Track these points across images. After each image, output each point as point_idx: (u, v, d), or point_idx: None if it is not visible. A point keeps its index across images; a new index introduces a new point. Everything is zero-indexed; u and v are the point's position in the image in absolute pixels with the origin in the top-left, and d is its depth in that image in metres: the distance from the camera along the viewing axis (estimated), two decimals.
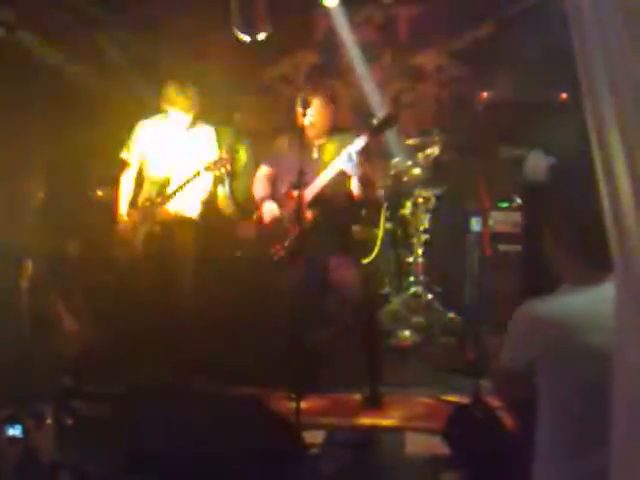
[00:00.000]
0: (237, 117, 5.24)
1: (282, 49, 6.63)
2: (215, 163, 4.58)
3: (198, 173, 4.61)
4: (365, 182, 4.36)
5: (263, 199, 4.54)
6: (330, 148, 4.43)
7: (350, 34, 6.37)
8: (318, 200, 4.32)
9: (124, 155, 4.90)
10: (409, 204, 6.00)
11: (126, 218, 4.83)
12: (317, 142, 4.48)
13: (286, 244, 4.34)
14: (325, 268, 4.38)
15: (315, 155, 4.47)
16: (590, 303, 2.23)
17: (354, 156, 4.19)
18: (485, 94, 6.04)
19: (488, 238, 5.10)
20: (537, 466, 2.23)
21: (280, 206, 4.44)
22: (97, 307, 5.28)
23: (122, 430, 3.53)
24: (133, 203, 4.87)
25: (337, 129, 4.49)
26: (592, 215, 2.21)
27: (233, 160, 5.30)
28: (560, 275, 2.33)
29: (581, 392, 2.15)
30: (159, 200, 4.75)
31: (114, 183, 5.09)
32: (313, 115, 4.36)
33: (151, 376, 4.71)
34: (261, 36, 5.88)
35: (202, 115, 4.85)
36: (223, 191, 5.35)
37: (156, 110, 4.87)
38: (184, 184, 4.66)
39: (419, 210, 5.98)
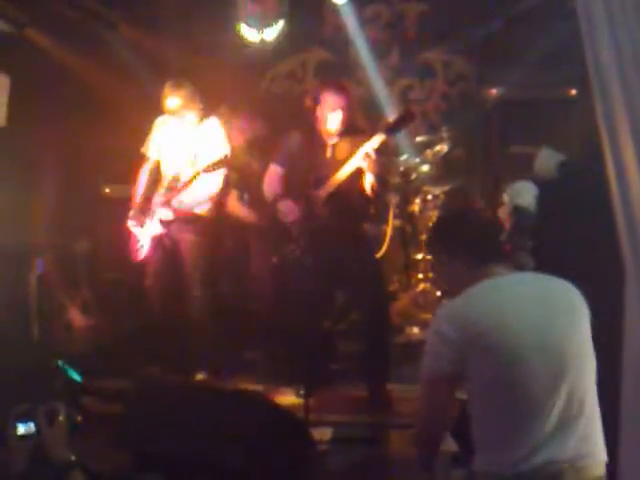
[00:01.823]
0: (224, 110, 5.19)
1: (290, 46, 6.62)
2: (216, 164, 4.57)
3: (198, 174, 4.60)
4: (380, 180, 4.36)
5: (277, 198, 4.51)
6: (343, 147, 4.42)
7: (358, 31, 6.35)
8: (334, 198, 4.32)
9: (143, 150, 4.93)
10: (418, 201, 5.99)
11: (137, 213, 4.84)
12: (330, 141, 4.46)
13: (302, 242, 4.33)
14: (339, 265, 4.38)
15: (329, 154, 4.45)
16: (493, 295, 2.33)
17: (372, 154, 4.19)
18: (494, 91, 6.03)
19: None
20: (475, 458, 2.29)
21: (295, 205, 4.41)
22: (106, 303, 5.31)
23: (132, 427, 3.55)
24: (148, 198, 4.87)
25: (349, 128, 4.47)
26: (470, 224, 2.51)
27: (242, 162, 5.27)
28: (456, 286, 2.41)
29: (501, 384, 2.22)
30: (167, 196, 4.76)
31: (124, 180, 5.11)
32: (328, 113, 4.34)
33: (159, 372, 4.74)
34: (268, 34, 5.89)
35: (209, 110, 4.85)
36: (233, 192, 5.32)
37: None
38: (189, 181, 4.66)
39: (428, 207, 5.97)
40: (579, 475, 2.19)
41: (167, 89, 4.67)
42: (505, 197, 3.83)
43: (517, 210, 3.58)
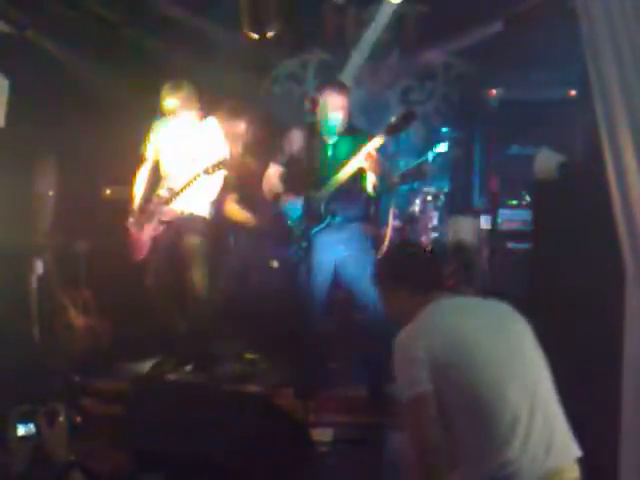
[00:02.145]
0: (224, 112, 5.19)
1: (291, 47, 6.63)
2: (215, 165, 4.57)
3: (198, 175, 4.60)
4: (382, 180, 4.36)
5: (278, 195, 4.51)
6: (344, 147, 4.42)
7: (358, 32, 6.37)
8: (336, 198, 4.33)
9: (143, 150, 4.92)
10: (418, 201, 6.00)
11: (137, 214, 4.85)
12: (331, 140, 4.47)
13: (303, 243, 4.33)
14: (339, 265, 4.38)
15: (329, 154, 4.46)
16: (444, 314, 2.53)
17: (374, 154, 4.20)
18: (494, 91, 6.04)
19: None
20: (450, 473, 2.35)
21: (296, 205, 4.41)
22: (107, 304, 5.30)
23: (132, 427, 3.55)
24: (147, 199, 4.87)
25: (349, 128, 4.48)
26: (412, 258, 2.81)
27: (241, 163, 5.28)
28: (399, 313, 2.64)
29: (464, 397, 2.35)
30: (166, 197, 4.76)
31: (125, 181, 5.10)
32: (327, 113, 4.35)
33: (158, 372, 4.74)
34: (270, 35, 5.90)
35: (208, 111, 4.86)
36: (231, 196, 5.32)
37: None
38: (189, 183, 4.66)
39: (428, 207, 5.98)
40: None
41: (166, 90, 4.67)
42: (449, 232, 3.92)
43: (459, 246, 3.67)
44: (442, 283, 2.74)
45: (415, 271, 2.70)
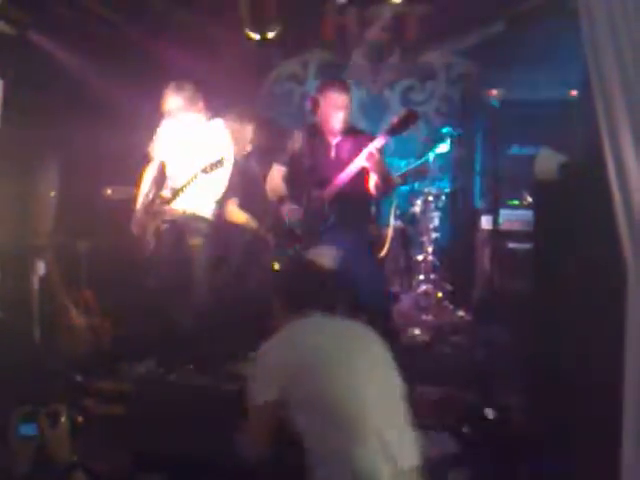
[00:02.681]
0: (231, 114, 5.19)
1: (292, 48, 6.63)
2: (213, 164, 4.57)
3: (197, 175, 4.60)
4: (385, 180, 4.37)
5: (282, 199, 4.51)
6: (346, 147, 4.43)
7: (360, 32, 6.37)
8: (339, 198, 4.33)
9: (148, 150, 4.93)
10: (419, 202, 6.00)
11: (139, 214, 4.85)
12: (333, 140, 4.47)
13: (306, 243, 4.33)
14: (341, 265, 4.38)
15: (332, 154, 4.46)
16: (302, 330, 2.79)
17: (376, 154, 4.21)
18: (495, 91, 6.03)
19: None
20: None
21: (299, 205, 4.41)
22: (108, 304, 5.30)
23: (132, 427, 3.55)
24: (151, 199, 4.87)
25: (351, 128, 4.48)
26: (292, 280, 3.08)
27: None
28: (280, 325, 2.87)
29: (314, 409, 2.57)
30: (168, 197, 4.76)
31: (125, 181, 5.11)
32: (328, 113, 4.35)
33: (159, 372, 4.74)
34: (271, 35, 5.90)
35: (214, 112, 4.86)
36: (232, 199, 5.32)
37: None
38: (187, 183, 4.66)
39: (429, 208, 5.98)
40: None
41: (169, 90, 4.67)
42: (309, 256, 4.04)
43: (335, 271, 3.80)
44: (320, 303, 2.89)
45: (293, 289, 2.96)
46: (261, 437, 2.69)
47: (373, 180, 4.33)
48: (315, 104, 4.46)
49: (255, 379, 2.70)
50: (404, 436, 2.62)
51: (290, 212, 4.41)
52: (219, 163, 4.57)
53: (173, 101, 4.67)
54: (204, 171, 4.57)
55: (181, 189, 4.69)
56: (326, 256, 4.11)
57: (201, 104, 4.76)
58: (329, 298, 2.99)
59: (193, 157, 4.76)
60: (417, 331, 5.61)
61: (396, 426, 2.61)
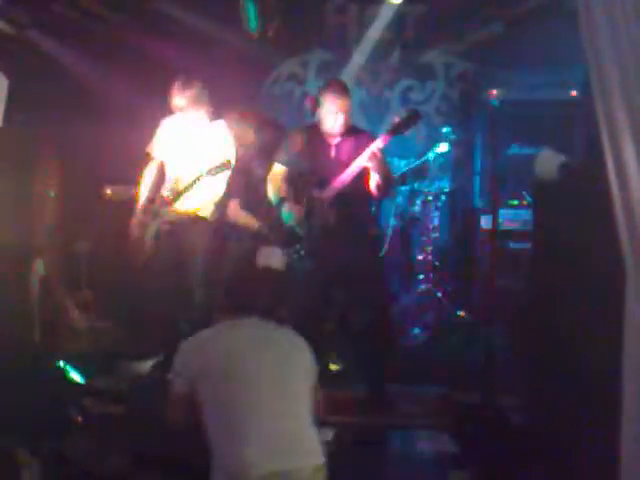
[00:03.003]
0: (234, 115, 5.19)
1: (292, 48, 6.63)
2: (218, 167, 4.56)
3: (201, 176, 4.59)
4: (386, 180, 4.36)
5: (283, 199, 4.50)
6: (347, 147, 4.42)
7: (359, 32, 6.37)
8: (340, 198, 4.33)
9: (148, 149, 4.91)
10: (419, 202, 6.00)
11: (140, 214, 4.84)
12: (334, 141, 4.47)
13: (307, 244, 4.33)
14: (342, 266, 4.38)
15: (332, 154, 4.46)
16: (223, 338, 2.93)
17: (378, 154, 4.20)
18: (494, 92, 6.04)
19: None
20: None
21: (300, 205, 4.41)
22: (107, 304, 5.31)
23: (132, 428, 3.55)
24: (151, 199, 4.87)
25: (351, 128, 4.47)
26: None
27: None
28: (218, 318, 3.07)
29: (224, 403, 2.76)
30: (170, 197, 4.76)
31: (124, 181, 5.11)
32: (330, 113, 4.35)
33: (159, 372, 4.74)
34: (270, 34, 5.90)
35: (217, 113, 4.85)
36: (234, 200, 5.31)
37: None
38: (192, 184, 4.65)
39: (429, 208, 5.98)
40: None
41: (176, 87, 4.66)
42: (259, 258, 4.07)
43: (275, 274, 3.85)
44: (258, 305, 3.03)
45: (234, 292, 3.10)
46: (177, 420, 2.93)
47: (374, 180, 4.33)
48: (315, 104, 4.46)
49: (174, 367, 2.93)
50: (303, 439, 2.78)
51: (290, 209, 4.40)
52: (225, 165, 4.57)
53: (179, 98, 4.65)
54: (210, 173, 4.56)
55: (185, 190, 4.69)
56: (274, 257, 4.14)
57: (207, 103, 4.74)
58: (270, 301, 3.09)
59: (195, 158, 4.75)
60: (416, 330, 5.61)
61: (294, 430, 2.77)
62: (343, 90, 4.44)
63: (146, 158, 4.92)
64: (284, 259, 4.20)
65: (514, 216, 5.68)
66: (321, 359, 4.55)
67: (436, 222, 6.01)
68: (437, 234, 6.01)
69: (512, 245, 5.61)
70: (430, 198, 5.98)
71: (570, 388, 3.21)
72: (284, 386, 2.84)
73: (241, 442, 2.67)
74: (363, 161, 4.24)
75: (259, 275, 3.54)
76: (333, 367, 5.00)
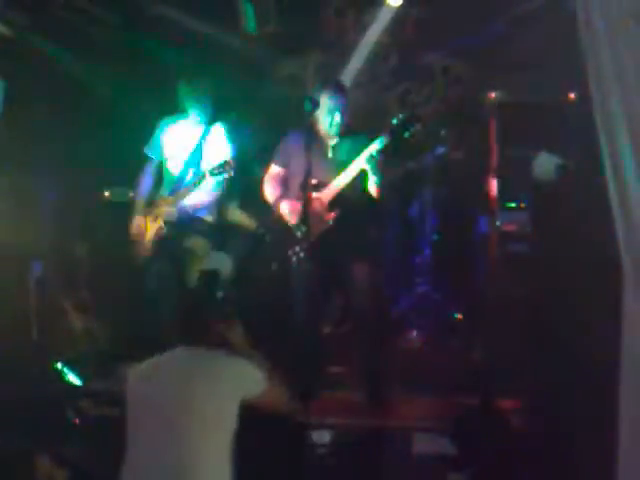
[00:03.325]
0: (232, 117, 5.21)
1: (290, 49, 6.63)
2: (219, 167, 4.56)
3: (202, 177, 4.60)
4: (385, 181, 4.37)
5: (279, 200, 4.50)
6: (345, 148, 4.43)
7: (358, 34, 6.37)
8: (338, 200, 4.33)
9: (147, 150, 4.92)
10: (417, 203, 6.00)
11: (140, 215, 4.84)
12: (331, 142, 4.47)
13: (305, 245, 4.33)
14: (341, 267, 4.38)
15: (330, 155, 4.46)
16: (141, 380, 3.03)
17: (376, 155, 4.21)
18: (493, 94, 6.05)
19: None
20: None
21: (298, 207, 4.41)
22: (106, 306, 5.30)
23: None
24: (151, 200, 4.87)
25: (349, 129, 4.48)
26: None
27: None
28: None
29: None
30: (170, 198, 4.76)
31: (124, 183, 5.11)
32: (327, 114, 4.35)
33: None
34: (269, 34, 5.90)
35: (217, 114, 4.86)
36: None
37: (171, 110, 4.88)
38: (193, 184, 4.66)
39: (428, 208, 5.98)
40: None
41: (180, 87, 4.68)
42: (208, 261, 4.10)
43: (215, 274, 3.85)
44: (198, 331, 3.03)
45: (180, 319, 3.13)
46: None
47: (373, 181, 4.33)
48: (314, 105, 4.46)
49: None
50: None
51: (287, 209, 4.41)
52: (227, 165, 4.58)
53: (180, 98, 4.67)
54: (211, 173, 4.57)
55: (185, 191, 4.69)
56: (222, 262, 4.17)
57: (210, 104, 4.76)
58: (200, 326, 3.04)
59: (196, 158, 4.76)
60: (414, 333, 5.61)
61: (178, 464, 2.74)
62: (341, 91, 4.45)
63: (141, 161, 4.93)
64: (231, 264, 4.23)
65: (512, 218, 5.68)
66: (320, 360, 4.60)
67: (434, 224, 6.01)
68: (435, 236, 6.01)
69: (510, 246, 5.61)
70: (428, 199, 5.98)
71: (569, 388, 3.21)
72: (198, 428, 2.78)
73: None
74: (361, 163, 4.25)
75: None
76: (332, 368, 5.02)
